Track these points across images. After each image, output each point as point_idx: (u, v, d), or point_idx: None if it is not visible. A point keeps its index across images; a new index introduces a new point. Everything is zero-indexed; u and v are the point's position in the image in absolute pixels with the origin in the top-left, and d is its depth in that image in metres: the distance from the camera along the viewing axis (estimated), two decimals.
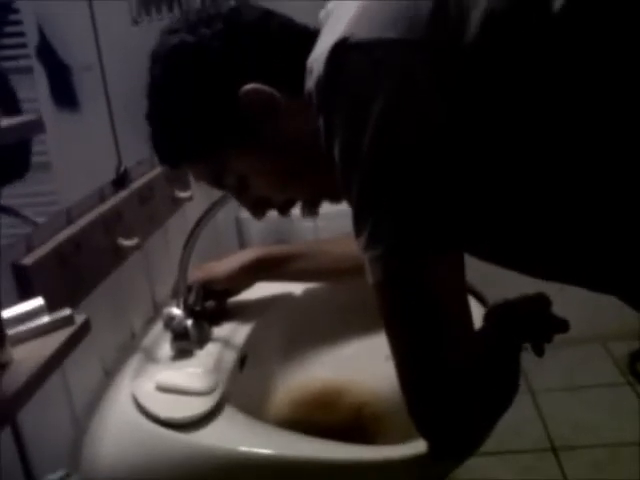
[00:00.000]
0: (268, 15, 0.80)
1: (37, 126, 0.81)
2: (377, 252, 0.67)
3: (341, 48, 0.66)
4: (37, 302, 0.70)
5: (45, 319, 0.69)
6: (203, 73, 0.77)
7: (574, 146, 0.67)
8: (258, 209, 0.86)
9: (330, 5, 0.78)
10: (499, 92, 0.66)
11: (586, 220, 0.70)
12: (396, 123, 0.65)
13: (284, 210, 0.87)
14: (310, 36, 0.76)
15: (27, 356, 0.65)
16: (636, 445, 1.78)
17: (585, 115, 0.66)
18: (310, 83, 0.71)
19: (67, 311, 0.71)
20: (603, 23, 0.64)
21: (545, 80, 0.65)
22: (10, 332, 0.68)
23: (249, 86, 0.76)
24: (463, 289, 0.71)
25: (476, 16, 0.65)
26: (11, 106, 0.82)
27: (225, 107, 0.77)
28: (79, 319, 0.71)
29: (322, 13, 0.78)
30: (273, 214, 0.89)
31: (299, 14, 0.82)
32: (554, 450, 1.97)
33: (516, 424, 1.94)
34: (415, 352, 0.70)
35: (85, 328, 0.71)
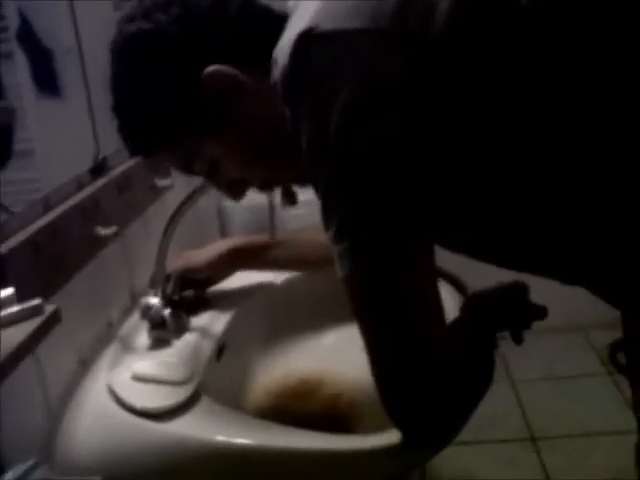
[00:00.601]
0: None
1: (10, 113, 0.80)
2: (345, 245, 0.67)
3: (306, 39, 0.66)
4: (7, 292, 0.69)
5: (14, 309, 0.68)
6: (163, 59, 0.76)
7: (546, 138, 0.67)
8: (234, 191, 0.85)
9: None
10: (468, 83, 0.65)
11: (557, 212, 0.71)
12: (361, 114, 0.65)
13: (263, 189, 0.86)
14: (274, 16, 0.76)
15: None
16: (616, 435, 1.80)
17: (553, 105, 0.66)
18: (276, 73, 0.70)
19: (36, 301, 0.70)
20: (570, 15, 0.64)
21: (513, 73, 0.65)
22: None
23: (210, 68, 0.74)
24: (433, 279, 0.71)
25: (443, 8, 0.65)
26: None
27: (188, 91, 0.76)
28: (49, 309, 0.70)
29: (291, 2, 0.77)
30: (255, 202, 0.88)
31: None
32: (533, 440, 1.97)
33: (495, 414, 1.95)
34: (386, 344, 0.70)
35: (54, 318, 0.71)
